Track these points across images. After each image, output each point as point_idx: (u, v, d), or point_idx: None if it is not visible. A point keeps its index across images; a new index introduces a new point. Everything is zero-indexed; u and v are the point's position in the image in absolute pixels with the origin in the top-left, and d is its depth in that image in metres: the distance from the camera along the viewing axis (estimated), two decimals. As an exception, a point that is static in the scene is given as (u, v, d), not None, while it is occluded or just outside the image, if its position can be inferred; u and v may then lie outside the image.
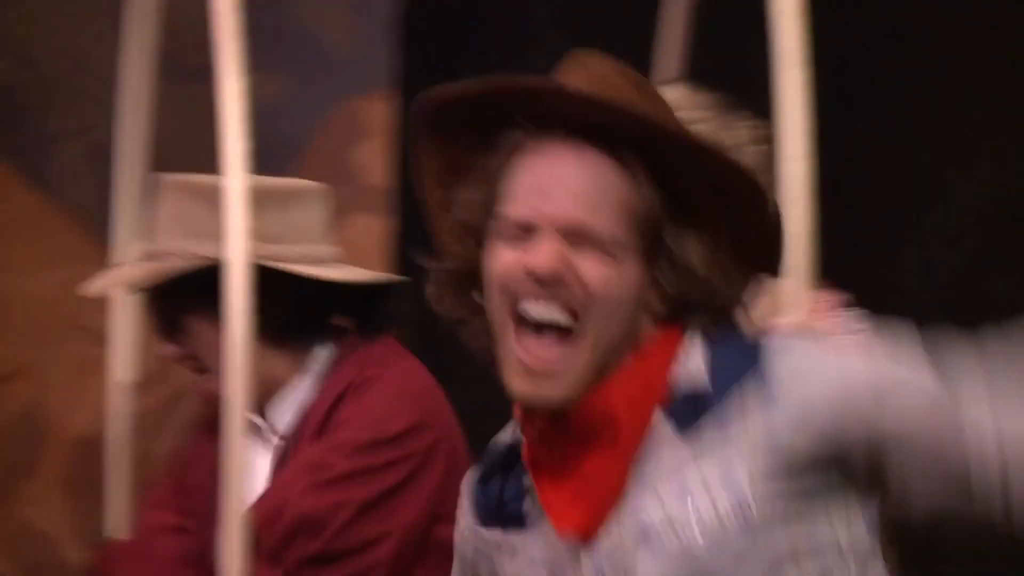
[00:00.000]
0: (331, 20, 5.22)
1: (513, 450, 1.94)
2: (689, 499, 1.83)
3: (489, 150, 1.90)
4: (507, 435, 1.98)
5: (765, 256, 1.95)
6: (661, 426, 1.86)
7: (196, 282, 2.64)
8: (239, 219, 2.44)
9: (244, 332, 2.41)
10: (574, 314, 1.84)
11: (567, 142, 1.87)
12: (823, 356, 1.85)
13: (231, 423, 2.43)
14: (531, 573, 1.91)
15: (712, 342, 1.90)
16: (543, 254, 1.83)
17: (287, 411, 2.73)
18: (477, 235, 1.91)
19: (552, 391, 1.84)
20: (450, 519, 2.08)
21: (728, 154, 1.87)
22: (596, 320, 1.85)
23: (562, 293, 1.84)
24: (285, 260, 2.66)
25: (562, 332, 1.85)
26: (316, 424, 2.66)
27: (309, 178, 2.88)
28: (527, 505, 1.92)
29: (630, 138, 1.85)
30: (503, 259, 1.87)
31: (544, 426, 1.87)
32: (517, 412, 1.91)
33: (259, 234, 2.50)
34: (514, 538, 1.93)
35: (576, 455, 1.86)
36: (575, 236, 1.85)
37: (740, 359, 1.87)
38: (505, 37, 4.65)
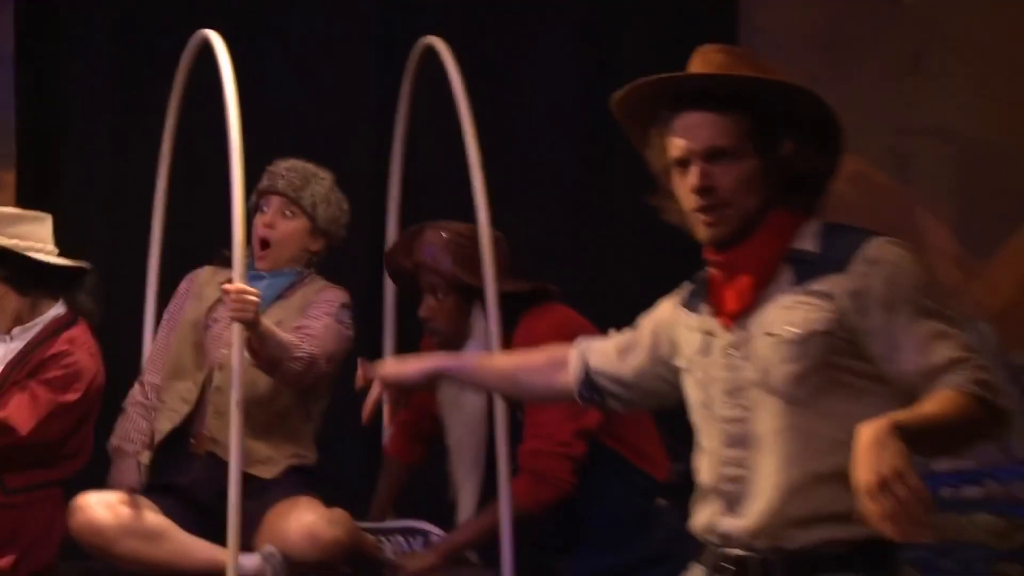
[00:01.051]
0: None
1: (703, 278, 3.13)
2: (793, 314, 2.92)
3: (658, 126, 3.04)
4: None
5: (834, 156, 3.02)
6: (783, 271, 2.96)
7: None
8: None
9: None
10: (722, 199, 2.96)
11: (692, 107, 2.99)
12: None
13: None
14: (691, 336, 3.08)
15: (828, 227, 2.98)
16: (694, 176, 2.97)
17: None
18: (667, 171, 3.06)
19: (720, 236, 2.99)
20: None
21: (790, 84, 2.97)
22: (736, 198, 2.96)
23: (712, 191, 2.97)
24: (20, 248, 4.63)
25: (716, 207, 2.98)
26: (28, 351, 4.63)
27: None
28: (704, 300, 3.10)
29: (726, 91, 2.97)
30: (679, 184, 3.02)
31: (719, 257, 3.02)
32: (707, 253, 3.04)
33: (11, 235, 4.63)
34: (691, 315, 3.11)
35: (733, 277, 3.00)
36: (710, 155, 2.95)
37: (843, 238, 2.93)
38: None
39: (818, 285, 2.90)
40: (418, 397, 4.75)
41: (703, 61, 3.03)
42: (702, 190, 2.96)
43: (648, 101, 3.05)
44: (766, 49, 6.18)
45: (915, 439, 2.65)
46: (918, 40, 6.30)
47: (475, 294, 4.39)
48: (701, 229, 3.00)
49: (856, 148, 6.03)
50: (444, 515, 4.92)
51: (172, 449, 4.77)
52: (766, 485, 2.91)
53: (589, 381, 3.29)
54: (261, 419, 4.66)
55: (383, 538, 4.83)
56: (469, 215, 4.64)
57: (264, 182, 4.88)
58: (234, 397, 4.35)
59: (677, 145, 2.99)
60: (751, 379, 2.95)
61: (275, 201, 4.84)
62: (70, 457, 4.66)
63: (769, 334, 2.93)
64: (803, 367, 2.90)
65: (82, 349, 4.64)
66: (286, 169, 4.87)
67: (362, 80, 6.01)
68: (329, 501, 4.68)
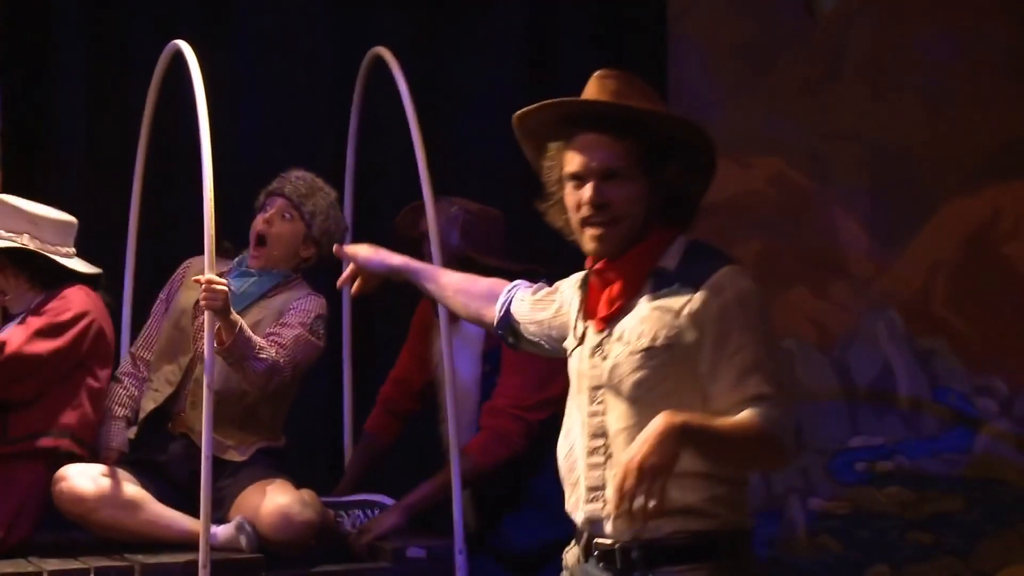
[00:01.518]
0: None
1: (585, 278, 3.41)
2: (644, 326, 3.21)
3: (557, 140, 3.31)
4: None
5: (709, 177, 3.32)
6: (648, 283, 3.24)
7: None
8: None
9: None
10: (612, 216, 3.23)
11: (590, 128, 3.25)
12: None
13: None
14: (575, 327, 3.37)
15: (692, 245, 3.27)
16: (589, 191, 3.24)
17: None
18: (559, 185, 3.32)
19: (607, 250, 3.27)
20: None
21: (677, 117, 3.26)
22: (625, 216, 3.24)
23: (605, 208, 3.23)
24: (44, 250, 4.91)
25: (606, 223, 3.24)
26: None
27: None
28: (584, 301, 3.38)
29: (624, 118, 3.23)
30: (571, 196, 3.28)
31: (600, 266, 3.30)
32: (588, 262, 3.33)
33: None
34: (578, 310, 3.39)
35: (607, 286, 3.28)
36: (603, 173, 3.22)
37: (700, 261, 3.22)
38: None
39: (669, 302, 3.18)
40: (410, 361, 5.22)
41: (599, 88, 3.27)
42: (597, 205, 3.22)
43: (550, 119, 3.31)
44: (692, 55, 6.44)
45: (698, 442, 3.00)
46: (833, 52, 6.53)
47: (479, 269, 4.39)
48: (588, 241, 3.27)
49: (777, 151, 6.46)
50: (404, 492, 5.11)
51: (153, 427, 4.96)
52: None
53: (506, 320, 3.60)
54: (232, 412, 4.85)
55: (342, 512, 5.03)
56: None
57: (273, 184, 5.09)
58: (206, 380, 4.54)
59: (576, 161, 3.25)
60: (605, 380, 3.24)
61: (278, 202, 5.04)
62: (54, 418, 4.81)
63: (621, 340, 3.22)
64: (646, 374, 3.17)
65: (79, 303, 4.88)
66: (296, 177, 5.09)
67: (322, 87, 6.20)
68: (294, 477, 4.91)
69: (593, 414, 3.26)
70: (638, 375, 3.19)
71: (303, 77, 6.21)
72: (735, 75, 6.49)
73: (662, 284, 3.22)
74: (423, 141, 4.91)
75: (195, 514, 4.65)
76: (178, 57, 4.85)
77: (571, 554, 3.35)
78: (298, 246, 5.06)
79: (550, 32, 6.36)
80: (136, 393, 5.09)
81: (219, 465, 4.73)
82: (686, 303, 3.17)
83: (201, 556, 4.49)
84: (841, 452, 6.47)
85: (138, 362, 5.13)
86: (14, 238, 4.88)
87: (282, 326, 4.90)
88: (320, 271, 5.11)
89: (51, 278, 4.92)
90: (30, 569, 4.53)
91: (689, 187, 3.27)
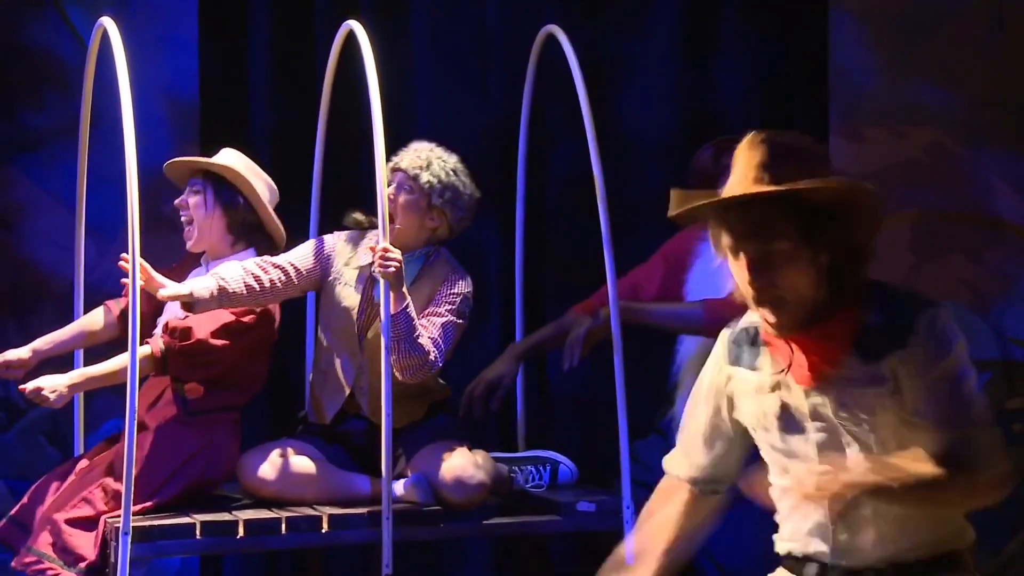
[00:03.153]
0: None
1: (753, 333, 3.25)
2: (861, 387, 3.09)
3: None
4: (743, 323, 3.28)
5: (874, 231, 3.11)
6: (852, 341, 3.10)
7: None
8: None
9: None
10: (777, 296, 3.07)
11: (739, 211, 3.08)
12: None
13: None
14: (762, 397, 3.20)
15: (882, 291, 3.11)
16: (749, 275, 3.06)
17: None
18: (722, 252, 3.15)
19: (785, 326, 3.12)
20: None
21: (826, 186, 3.03)
22: (790, 292, 3.07)
23: (766, 289, 3.08)
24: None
25: (774, 303, 3.09)
26: None
27: None
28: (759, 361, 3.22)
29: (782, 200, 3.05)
30: (741, 277, 3.10)
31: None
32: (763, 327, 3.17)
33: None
34: (749, 373, 3.23)
35: (801, 347, 3.13)
36: (759, 259, 3.04)
37: (896, 315, 3.08)
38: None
39: (879, 354, 3.07)
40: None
41: (745, 162, 3.09)
42: (757, 289, 3.08)
43: (703, 210, 3.14)
44: (850, 27, 6.49)
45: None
46: (989, 21, 6.55)
47: None
48: (767, 318, 3.12)
49: (932, 120, 6.55)
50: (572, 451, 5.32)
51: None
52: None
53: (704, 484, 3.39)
54: (401, 387, 4.90)
55: (515, 468, 5.19)
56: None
57: (393, 159, 5.07)
58: (384, 342, 4.74)
59: (727, 245, 3.11)
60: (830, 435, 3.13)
61: (399, 176, 5.05)
62: (245, 386, 5.02)
63: (839, 405, 3.10)
64: (872, 423, 3.10)
65: None
66: (414, 148, 5.10)
67: (493, 65, 6.29)
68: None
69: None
70: (871, 424, 3.11)
71: (475, 55, 6.29)
72: (892, 46, 6.55)
73: (866, 339, 3.10)
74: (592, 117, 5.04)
75: (373, 474, 4.93)
76: (353, 37, 5.00)
77: None
78: (424, 218, 5.04)
79: (710, 7, 6.40)
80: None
81: (396, 430, 4.87)
82: (896, 351, 3.07)
83: (384, 507, 4.74)
84: (999, 414, 6.56)
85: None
86: (236, 164, 5.05)
87: (432, 315, 4.96)
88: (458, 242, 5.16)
89: (240, 227, 5.07)
90: (228, 518, 4.80)
91: (856, 245, 3.10)
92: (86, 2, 6.02)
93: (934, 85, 6.56)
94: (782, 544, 3.26)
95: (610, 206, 5.04)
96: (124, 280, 4.70)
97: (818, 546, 3.18)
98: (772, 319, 3.10)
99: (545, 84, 5.66)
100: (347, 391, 5.06)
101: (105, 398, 5.40)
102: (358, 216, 5.17)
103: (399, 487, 4.93)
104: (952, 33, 6.59)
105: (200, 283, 4.83)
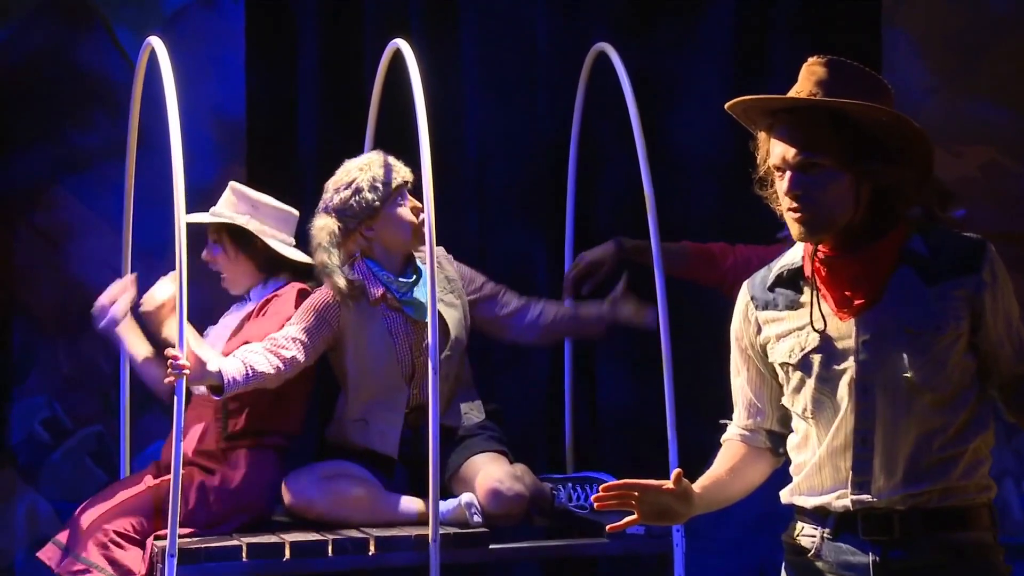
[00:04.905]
0: None
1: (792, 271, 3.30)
2: (910, 312, 3.14)
3: (762, 128, 3.24)
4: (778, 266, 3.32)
5: (923, 171, 3.16)
6: (899, 268, 3.15)
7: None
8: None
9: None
10: (810, 206, 3.13)
11: (790, 119, 3.18)
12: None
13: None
14: (800, 335, 3.23)
15: (932, 231, 3.18)
16: (787, 183, 3.15)
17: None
18: (769, 173, 3.24)
19: (811, 236, 3.18)
20: None
21: (874, 107, 3.10)
22: (823, 208, 3.13)
23: (801, 199, 3.14)
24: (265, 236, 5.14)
25: (805, 212, 3.15)
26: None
27: None
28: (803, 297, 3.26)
29: (828, 110, 3.13)
30: (777, 185, 3.20)
31: (829, 254, 3.20)
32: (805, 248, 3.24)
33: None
34: (782, 314, 3.28)
35: (846, 273, 3.19)
36: (801, 166, 3.13)
37: (953, 245, 3.17)
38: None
39: (931, 283, 3.14)
40: None
41: (806, 76, 3.18)
42: (794, 197, 3.15)
43: (754, 110, 3.25)
44: (905, 46, 6.47)
45: None
46: None
47: None
48: (794, 227, 3.19)
49: (989, 139, 6.49)
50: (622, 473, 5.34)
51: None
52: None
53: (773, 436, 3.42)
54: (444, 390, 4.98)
55: (559, 486, 5.15)
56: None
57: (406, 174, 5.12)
58: (431, 364, 4.74)
59: (776, 153, 3.19)
60: (873, 371, 3.16)
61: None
62: (284, 416, 5.05)
63: (885, 330, 3.14)
64: (921, 360, 3.14)
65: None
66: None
67: (543, 82, 6.30)
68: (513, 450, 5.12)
69: (859, 407, 3.18)
70: (914, 362, 3.14)
71: (525, 74, 6.31)
72: (948, 64, 6.52)
73: (916, 268, 3.17)
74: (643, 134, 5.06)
75: (420, 492, 4.93)
76: (400, 56, 5.01)
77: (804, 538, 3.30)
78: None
79: (761, 27, 6.42)
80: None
81: (444, 434, 4.89)
82: (953, 283, 3.15)
83: (432, 530, 4.72)
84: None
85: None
86: (235, 218, 5.11)
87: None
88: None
89: (267, 263, 5.14)
90: (274, 540, 4.79)
91: (901, 180, 3.15)
92: (134, 23, 6.09)
93: (989, 103, 6.52)
94: (800, 498, 3.28)
95: (660, 224, 5.04)
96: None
97: (839, 498, 3.20)
98: (800, 227, 3.16)
99: (595, 103, 5.66)
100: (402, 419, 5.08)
101: (152, 417, 5.37)
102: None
103: (449, 509, 4.92)
104: (1007, 51, 6.55)
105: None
